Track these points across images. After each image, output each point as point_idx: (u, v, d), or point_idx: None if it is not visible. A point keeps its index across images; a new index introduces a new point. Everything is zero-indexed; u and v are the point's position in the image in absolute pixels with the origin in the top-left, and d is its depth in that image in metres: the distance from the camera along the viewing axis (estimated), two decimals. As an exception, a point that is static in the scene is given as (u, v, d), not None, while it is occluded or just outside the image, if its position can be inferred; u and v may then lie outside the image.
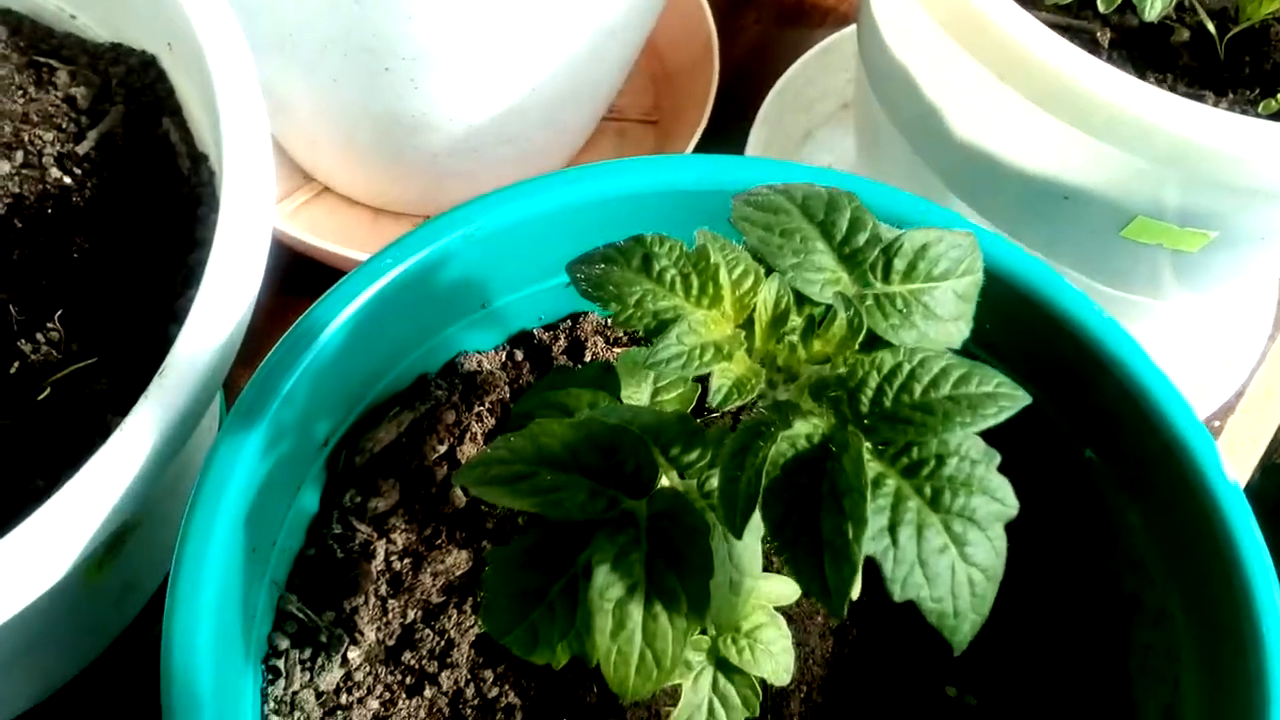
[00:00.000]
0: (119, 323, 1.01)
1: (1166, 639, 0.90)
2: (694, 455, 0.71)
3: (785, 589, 0.87)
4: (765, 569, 0.76)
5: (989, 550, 0.59)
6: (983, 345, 0.92)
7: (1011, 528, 0.59)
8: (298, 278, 1.46)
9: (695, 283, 0.66)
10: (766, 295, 0.65)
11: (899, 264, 0.69)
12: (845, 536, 0.57)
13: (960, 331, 0.70)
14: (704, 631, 0.83)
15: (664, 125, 1.75)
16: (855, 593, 0.59)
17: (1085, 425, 0.95)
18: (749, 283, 0.67)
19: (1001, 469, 0.59)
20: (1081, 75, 1.01)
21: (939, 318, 0.69)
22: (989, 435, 0.60)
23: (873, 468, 0.60)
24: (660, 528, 0.67)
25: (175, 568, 0.79)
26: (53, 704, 1.13)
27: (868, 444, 0.60)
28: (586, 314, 1.06)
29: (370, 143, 1.43)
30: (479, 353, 1.03)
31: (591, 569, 0.66)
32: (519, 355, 1.05)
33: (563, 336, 1.05)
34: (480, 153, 1.44)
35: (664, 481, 0.70)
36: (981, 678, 0.94)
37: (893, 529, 0.58)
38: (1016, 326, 0.93)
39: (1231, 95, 1.16)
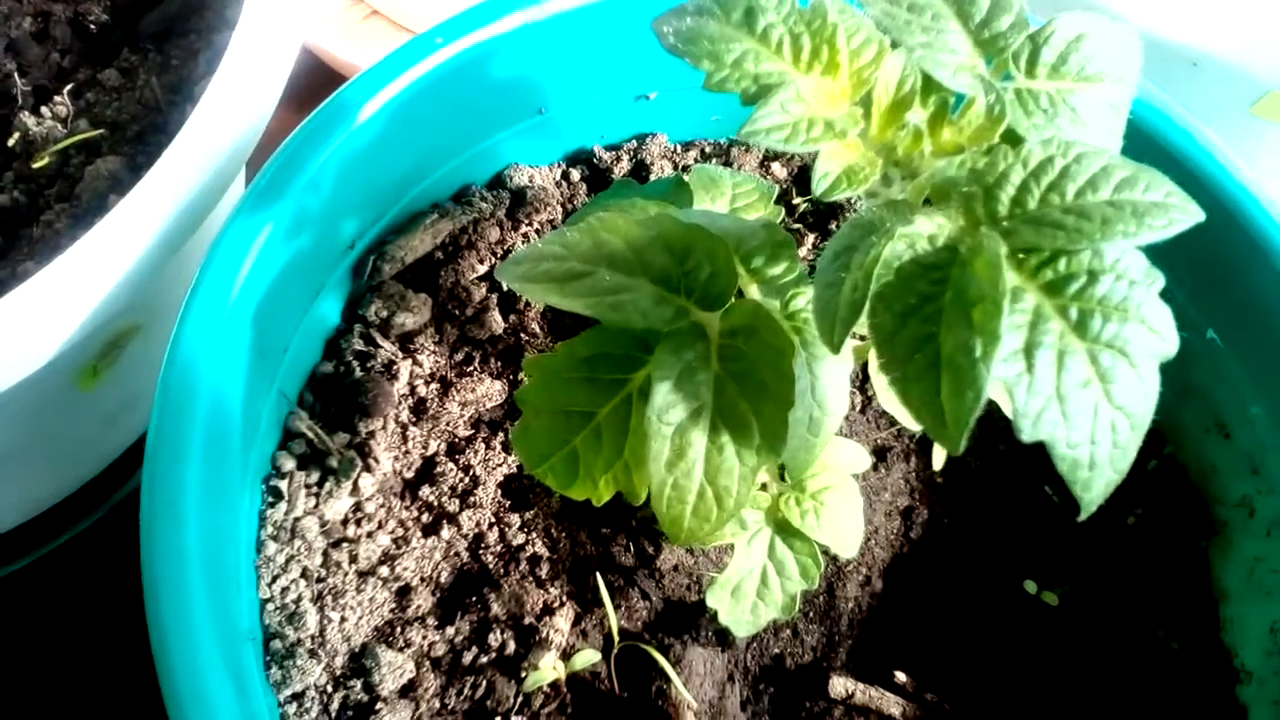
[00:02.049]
0: (134, 102, 0.90)
1: (1283, 549, 0.80)
2: (780, 269, 0.60)
3: (855, 455, 0.77)
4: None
5: (1139, 392, 0.49)
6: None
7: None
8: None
9: (807, 45, 0.54)
10: (890, 71, 0.54)
11: (1047, 55, 0.57)
12: (971, 354, 0.46)
13: (1110, 149, 0.58)
14: (764, 488, 0.73)
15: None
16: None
17: (1211, 302, 0.83)
18: (870, 54, 0.55)
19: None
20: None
21: (1086, 126, 0.57)
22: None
23: (1010, 279, 0.49)
24: (735, 346, 0.56)
25: (170, 352, 0.69)
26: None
27: (1005, 250, 0.49)
28: (654, 135, 0.95)
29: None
30: (532, 167, 0.92)
31: (651, 386, 0.56)
32: (575, 175, 0.93)
33: (626, 158, 0.94)
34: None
35: (741, 296, 0.60)
36: (1065, 574, 0.84)
37: (1029, 352, 0.47)
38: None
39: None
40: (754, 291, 0.60)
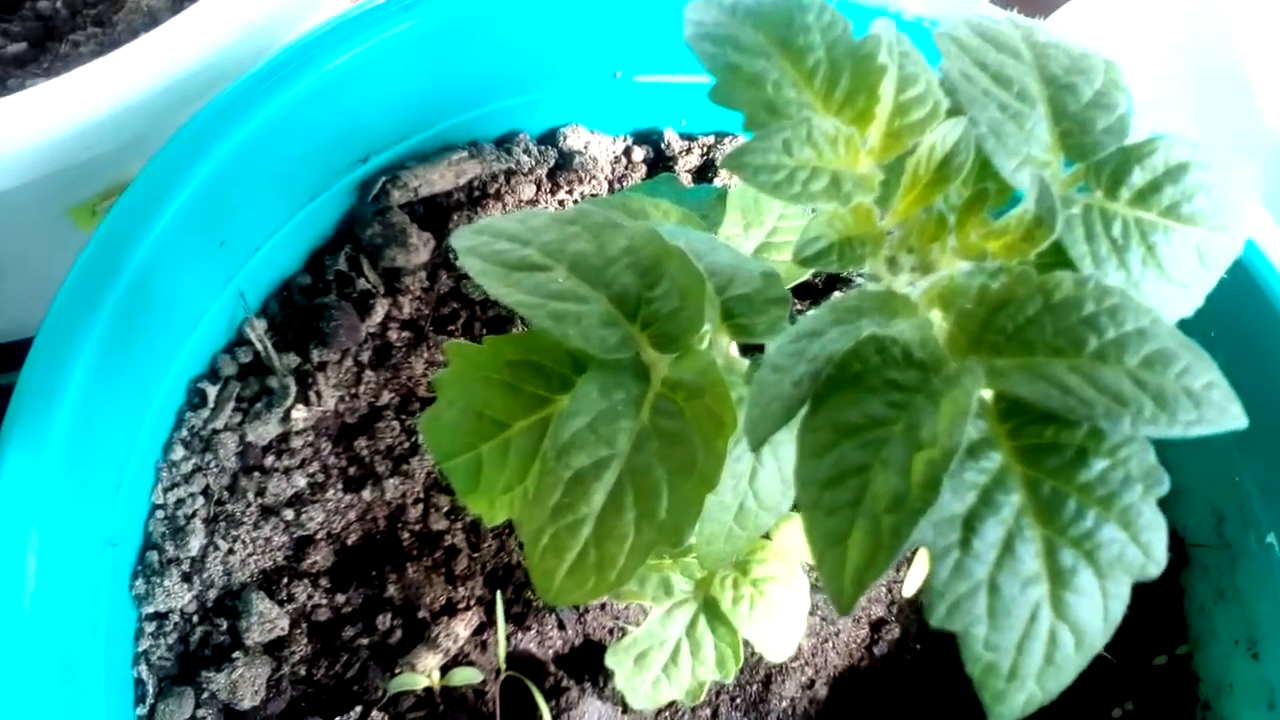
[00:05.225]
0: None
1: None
2: (761, 323, 0.50)
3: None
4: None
5: (1097, 609, 0.39)
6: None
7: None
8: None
9: (844, 81, 0.45)
10: (939, 138, 0.44)
11: (1138, 177, 0.47)
12: (898, 508, 0.37)
13: (1184, 306, 0.48)
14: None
15: None
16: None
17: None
18: (919, 113, 0.45)
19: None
20: None
21: (1164, 272, 0.47)
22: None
23: (980, 427, 0.39)
24: (674, 401, 0.48)
25: (110, 213, 0.63)
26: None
27: (989, 391, 0.40)
28: (737, 137, 0.85)
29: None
30: (593, 132, 0.84)
31: (562, 418, 0.47)
32: (638, 154, 0.84)
33: (698, 153, 0.84)
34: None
35: (706, 344, 0.51)
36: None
37: (971, 523, 0.38)
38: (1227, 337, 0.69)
39: None
40: (722, 344, 0.51)
